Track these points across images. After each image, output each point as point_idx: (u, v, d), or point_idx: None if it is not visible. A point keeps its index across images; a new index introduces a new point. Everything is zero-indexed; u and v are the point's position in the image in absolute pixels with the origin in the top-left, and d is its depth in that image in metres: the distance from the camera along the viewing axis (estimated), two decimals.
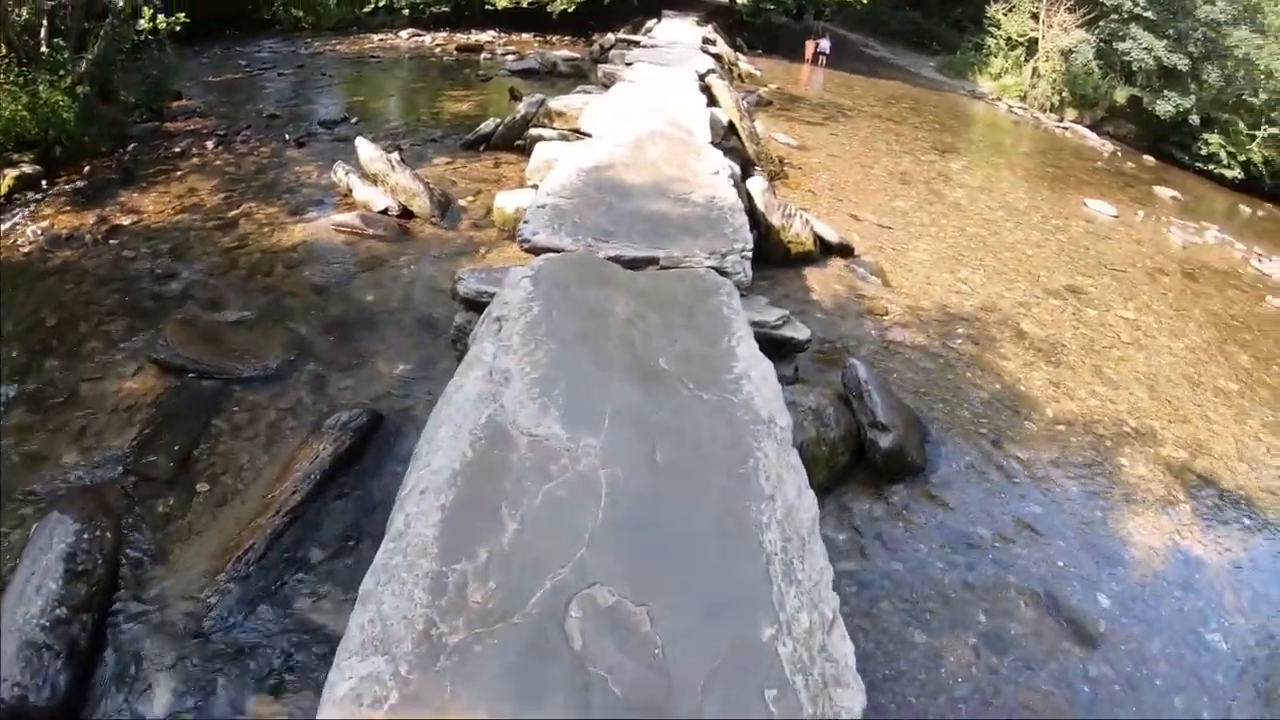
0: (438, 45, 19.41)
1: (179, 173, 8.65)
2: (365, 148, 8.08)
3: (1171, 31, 19.78)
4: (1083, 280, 9.97)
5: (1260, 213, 21.63)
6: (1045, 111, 21.64)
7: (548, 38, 21.89)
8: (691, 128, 8.15)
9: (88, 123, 8.68)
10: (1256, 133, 21.93)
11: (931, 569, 4.60)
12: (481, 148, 10.06)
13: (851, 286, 7.86)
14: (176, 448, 4.39)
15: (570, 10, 20.64)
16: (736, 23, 23.90)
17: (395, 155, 8.38)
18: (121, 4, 9.32)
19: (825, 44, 22.38)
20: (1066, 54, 21.23)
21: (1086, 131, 21.66)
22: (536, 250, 4.82)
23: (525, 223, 5.02)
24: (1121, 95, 21.37)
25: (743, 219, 5.64)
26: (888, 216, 10.25)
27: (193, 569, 3.64)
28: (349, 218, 7.27)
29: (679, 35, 17.93)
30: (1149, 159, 21.87)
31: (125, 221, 7.29)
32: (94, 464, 4.29)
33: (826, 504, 4.92)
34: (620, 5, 21.20)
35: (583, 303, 4.05)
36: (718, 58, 16.70)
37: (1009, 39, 22.11)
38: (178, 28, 9.58)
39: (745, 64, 19.53)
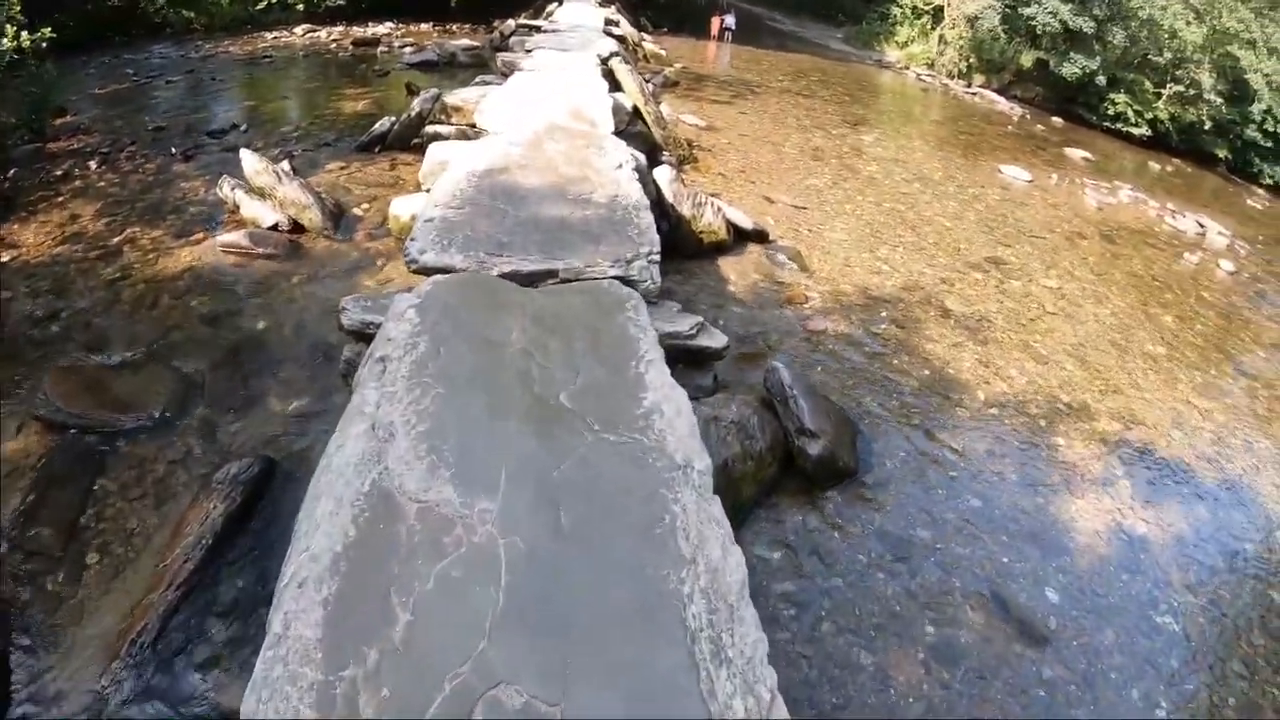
0: (333, 40, 19.63)
1: (60, 198, 8.31)
2: (250, 159, 7.96)
3: None
4: (1003, 250, 10.39)
5: (1169, 168, 23.40)
6: (953, 78, 22.79)
7: (448, 27, 22.33)
8: (594, 117, 8.29)
9: None
10: (1162, 91, 23.70)
11: (872, 581, 4.59)
12: (377, 149, 10.10)
13: (769, 274, 7.91)
14: (63, 515, 4.30)
15: None
16: (640, 2, 24.44)
17: (284, 165, 8.41)
18: None
19: (730, 19, 23.15)
20: (972, 20, 22.46)
21: (995, 96, 22.92)
22: (425, 271, 4.77)
23: (412, 240, 4.95)
24: (1028, 59, 22.72)
25: (649, 218, 5.63)
26: (802, 196, 10.43)
27: (88, 657, 3.55)
28: (237, 237, 7.19)
29: (581, 18, 18.35)
30: (1058, 121, 23.26)
31: (4, 258, 6.94)
32: None
33: (757, 520, 4.87)
34: None
35: (475, 333, 3.95)
36: (621, 39, 17.07)
37: (914, 7, 23.26)
38: (44, 44, 9.47)
39: (650, 44, 19.93)
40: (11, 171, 9.00)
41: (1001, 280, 9.41)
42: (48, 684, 3.43)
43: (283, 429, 4.98)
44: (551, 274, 4.71)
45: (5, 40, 9.00)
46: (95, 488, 4.46)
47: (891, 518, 5.03)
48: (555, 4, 21.56)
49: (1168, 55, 23.42)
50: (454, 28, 22.39)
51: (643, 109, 10.66)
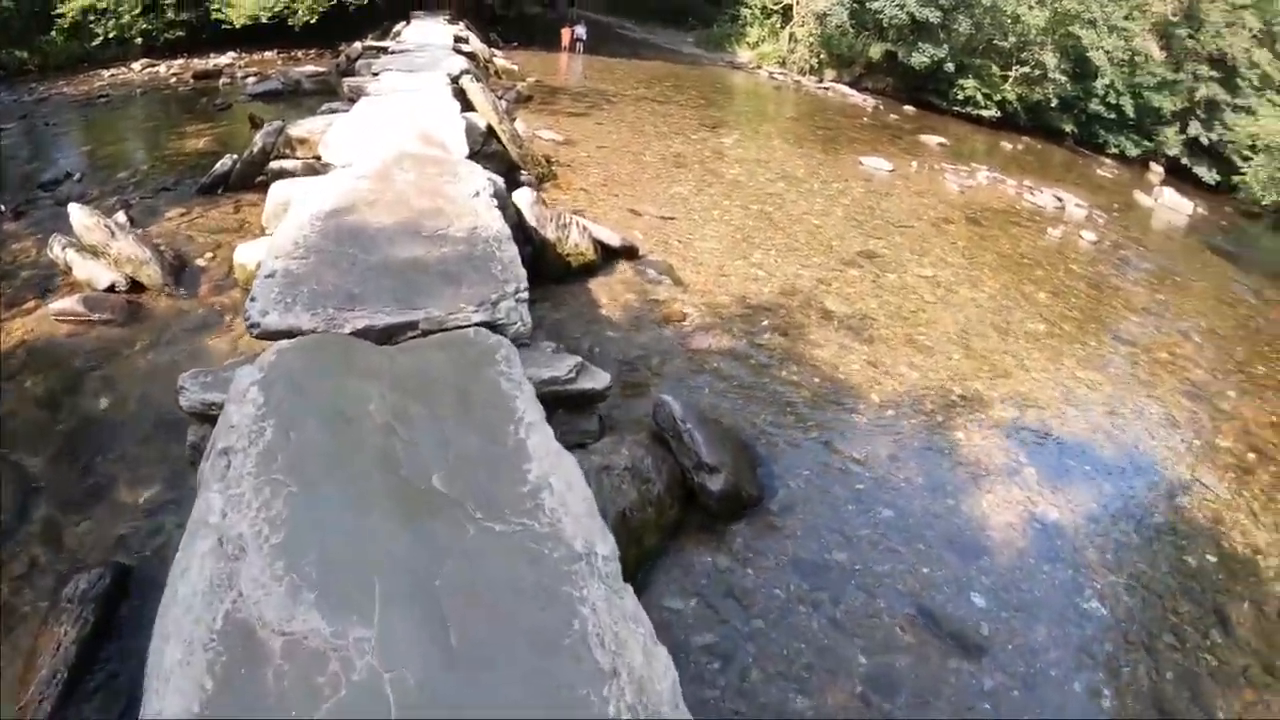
0: (173, 75, 19.70)
1: None
2: (79, 214, 7.66)
3: None
4: (875, 243, 10.91)
5: (1020, 147, 25.61)
6: (805, 74, 24.26)
7: (293, 54, 22.43)
8: (446, 141, 8.38)
9: None
10: (1009, 73, 26.18)
11: (795, 617, 4.56)
12: (220, 190, 9.98)
13: (643, 293, 7.95)
14: None
15: (313, 21, 21.26)
16: (490, 17, 25.35)
17: (119, 216, 8.37)
18: None
19: (581, 30, 24.03)
20: (821, 17, 24.19)
21: (848, 89, 24.62)
22: (269, 335, 4.46)
23: (252, 299, 4.70)
24: (877, 51, 24.64)
25: (512, 251, 5.55)
26: (668, 206, 10.64)
27: None
28: (70, 303, 6.92)
29: (430, 37, 18.80)
30: (910, 109, 25.12)
31: None
32: None
33: (664, 568, 4.76)
34: (367, 11, 22.08)
35: (329, 408, 3.70)
36: (472, 56, 17.49)
37: (764, 7, 24.79)
38: None
39: (501, 59, 20.42)
40: None
41: (877, 274, 9.86)
42: None
43: (135, 526, 4.74)
44: (410, 326, 4.52)
45: None
46: None
47: (804, 544, 5.04)
48: (403, 24, 21.89)
49: (1012, 39, 26.14)
50: (299, 54, 22.52)
51: (497, 127, 10.73)
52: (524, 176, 10.35)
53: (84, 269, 7.41)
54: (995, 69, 26.45)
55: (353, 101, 11.31)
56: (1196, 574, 6.12)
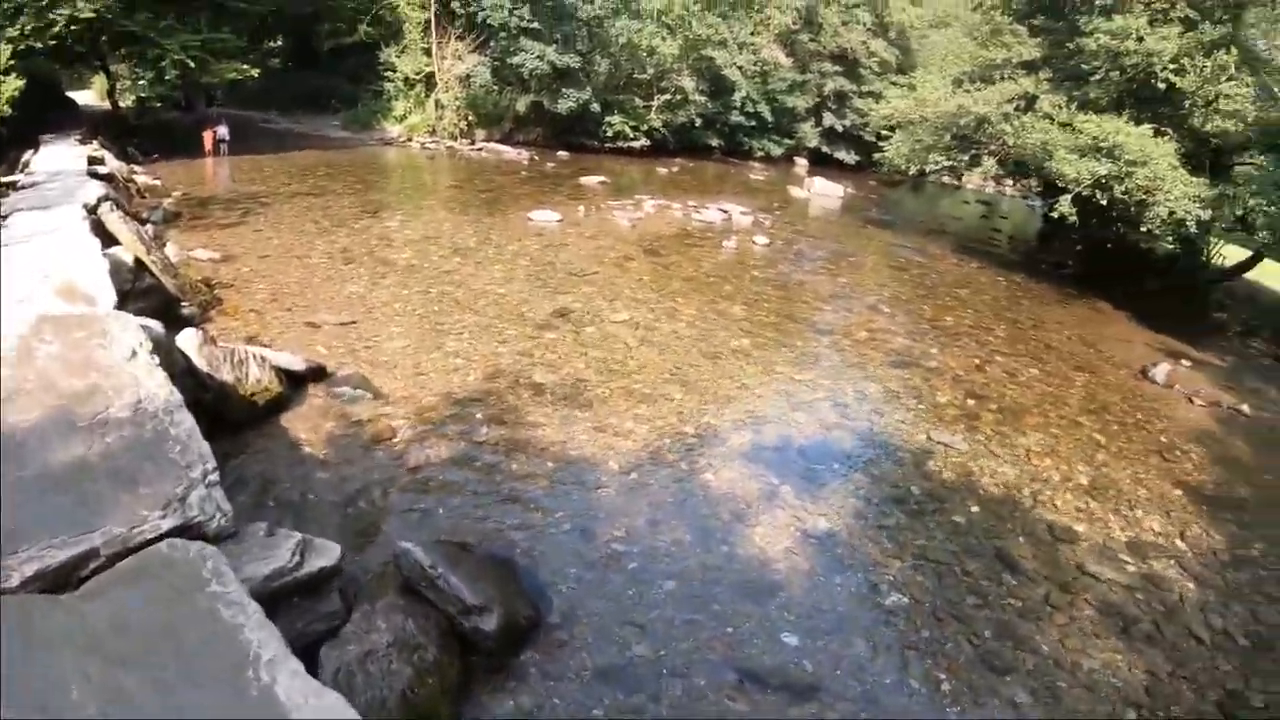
0: None
1: None
2: None
3: (559, 36, 25.47)
4: (565, 299, 11.34)
5: (675, 169, 28.07)
6: (457, 140, 25.10)
7: None
8: (91, 291, 7.62)
9: None
10: (652, 103, 28.84)
11: None
12: None
13: (343, 417, 7.50)
14: None
15: None
16: (125, 130, 23.96)
17: None
18: None
19: (224, 130, 23.08)
20: (465, 80, 24.97)
21: (501, 147, 25.86)
22: None
23: None
24: (523, 104, 25.96)
25: (187, 422, 4.98)
26: (347, 309, 10.24)
27: None
28: None
29: (61, 163, 16.89)
30: (564, 154, 26.73)
31: None
32: None
33: None
34: None
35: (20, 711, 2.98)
36: (110, 178, 15.93)
37: (407, 79, 25.24)
38: None
39: (143, 175, 18.79)
40: None
41: (576, 332, 10.23)
42: None
43: None
44: (91, 555, 3.90)
45: None
46: None
47: (600, 650, 5.01)
48: (31, 151, 19.14)
49: (651, 70, 29.33)
50: None
51: (146, 259, 9.80)
52: (186, 309, 9.56)
53: None
54: (639, 101, 29.42)
55: None
56: (968, 529, 7.11)
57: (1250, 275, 21.62)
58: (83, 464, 4.51)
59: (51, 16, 18.13)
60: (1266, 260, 20.34)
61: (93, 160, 17.52)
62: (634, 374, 9.14)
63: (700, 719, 4.56)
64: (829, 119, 39.90)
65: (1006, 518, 7.46)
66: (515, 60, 24.51)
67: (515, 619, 4.89)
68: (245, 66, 21.06)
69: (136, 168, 19.62)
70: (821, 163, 39.87)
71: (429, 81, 25.48)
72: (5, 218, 11.39)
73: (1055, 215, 17.82)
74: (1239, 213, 16.31)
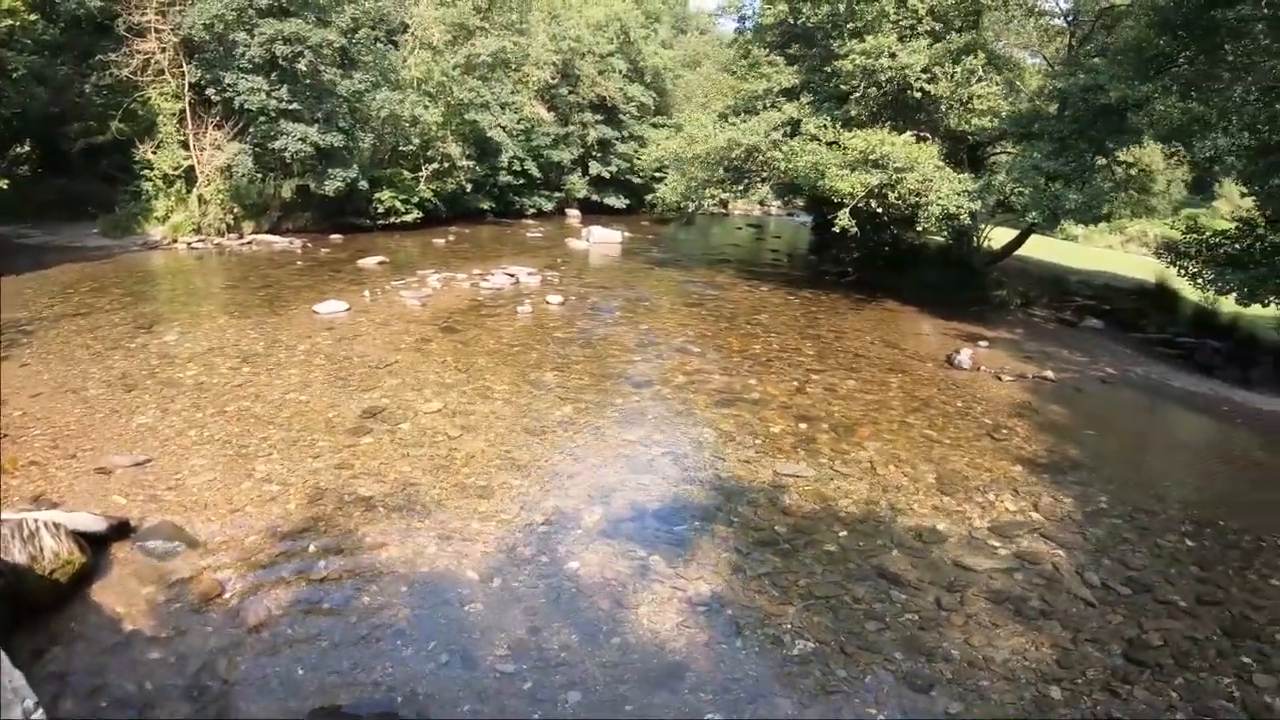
0: None
1: None
2: None
3: (320, 114, 24.78)
4: (371, 397, 10.62)
5: (452, 239, 27.75)
6: (223, 235, 23.97)
7: None
8: None
9: None
10: (420, 174, 29.37)
11: None
12: None
13: (161, 578, 6.43)
14: None
15: None
16: None
17: None
18: None
19: None
20: (226, 170, 24.02)
21: (271, 238, 24.92)
22: None
23: None
24: (288, 189, 25.12)
25: None
26: (139, 445, 8.95)
27: None
28: None
29: None
30: (337, 238, 25.98)
31: None
32: None
33: None
34: None
35: None
36: None
37: (165, 176, 23.76)
38: None
39: None
40: None
41: (392, 431, 9.55)
42: None
43: None
44: None
45: None
46: None
47: None
48: None
49: (417, 141, 29.08)
50: None
51: None
52: None
53: None
54: (407, 173, 29.27)
55: None
56: (843, 555, 7.12)
57: (1020, 251, 23.95)
58: None
59: None
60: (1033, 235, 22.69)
61: None
62: (463, 468, 8.58)
63: None
64: (595, 167, 41.05)
65: (874, 534, 7.61)
66: (277, 144, 23.64)
67: None
68: None
69: None
70: (592, 211, 40.82)
71: (189, 176, 24.09)
72: None
73: (836, 229, 18.96)
74: (999, 198, 18.00)
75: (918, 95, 19.15)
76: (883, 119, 19.91)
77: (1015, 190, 17.57)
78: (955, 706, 5.21)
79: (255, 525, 7.29)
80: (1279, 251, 16.55)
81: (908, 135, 18.74)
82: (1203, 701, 5.51)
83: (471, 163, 30.95)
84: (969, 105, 19.32)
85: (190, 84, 23.71)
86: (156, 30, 22.96)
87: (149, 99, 23.47)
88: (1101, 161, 18.84)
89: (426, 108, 28.18)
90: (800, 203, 28.76)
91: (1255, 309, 17.50)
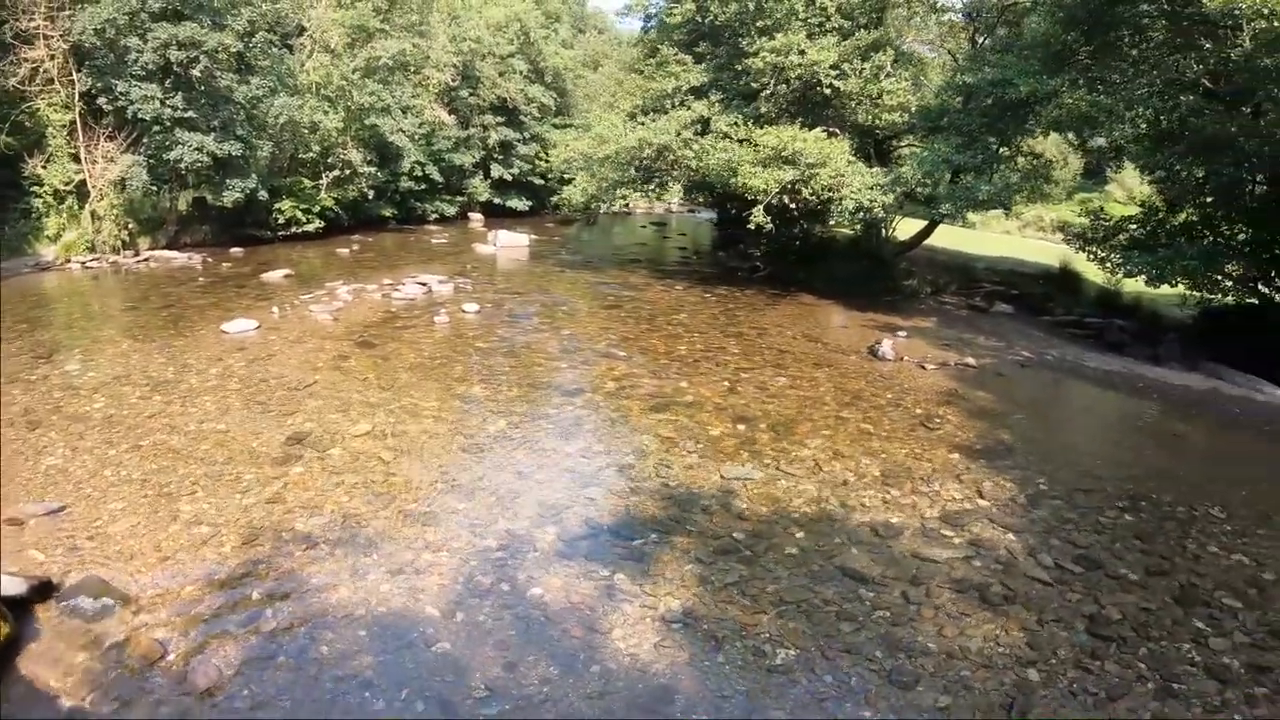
0: None
1: None
2: None
3: (217, 122, 23.70)
4: (295, 421, 10.15)
5: (356, 248, 27.05)
6: (119, 253, 22.79)
7: None
8: None
9: None
10: (320, 182, 28.74)
11: None
12: None
13: (94, 641, 5.80)
14: None
15: None
16: None
17: None
18: None
19: None
20: (120, 184, 22.86)
21: (169, 253, 23.80)
22: None
23: None
24: (184, 203, 24.21)
25: None
26: (51, 490, 8.20)
27: None
28: None
29: None
30: (238, 251, 25.01)
31: None
32: None
33: None
34: None
35: None
36: None
37: (56, 192, 22.30)
38: None
39: None
40: None
41: (321, 458, 9.07)
42: None
43: None
44: None
45: None
46: None
47: None
48: None
49: (316, 148, 28.38)
50: None
51: None
52: None
53: None
54: (307, 182, 28.48)
55: None
56: (805, 557, 7.12)
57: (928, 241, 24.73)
58: None
59: None
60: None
61: None
62: (403, 494, 8.20)
63: None
64: (497, 170, 40.62)
65: (830, 532, 7.65)
66: (172, 155, 22.59)
67: None
68: None
69: None
70: (495, 214, 40.42)
71: (81, 191, 22.81)
72: None
73: (751, 225, 19.14)
74: (908, 191, 18.51)
75: (826, 91, 19.54)
76: (792, 116, 20.23)
77: (922, 182, 18.14)
78: (944, 699, 5.27)
79: (190, 574, 6.77)
80: (1182, 234, 17.56)
81: (818, 131, 19.09)
82: (1168, 669, 5.76)
83: (373, 169, 30.26)
84: (879, 101, 19.83)
85: (81, 93, 22.47)
86: (45, 37, 21.64)
87: (37, 110, 22.19)
88: (1005, 152, 19.60)
89: (326, 113, 27.39)
90: (702, 200, 29.06)
91: (1150, 287, 18.47)
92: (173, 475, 8.62)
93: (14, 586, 6.45)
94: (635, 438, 9.98)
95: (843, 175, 18.03)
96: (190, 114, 22.55)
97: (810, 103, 20.55)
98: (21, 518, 7.71)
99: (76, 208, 22.93)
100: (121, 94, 21.86)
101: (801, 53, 19.24)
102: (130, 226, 23.52)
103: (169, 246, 24.35)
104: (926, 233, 23.73)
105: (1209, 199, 17.81)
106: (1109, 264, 17.86)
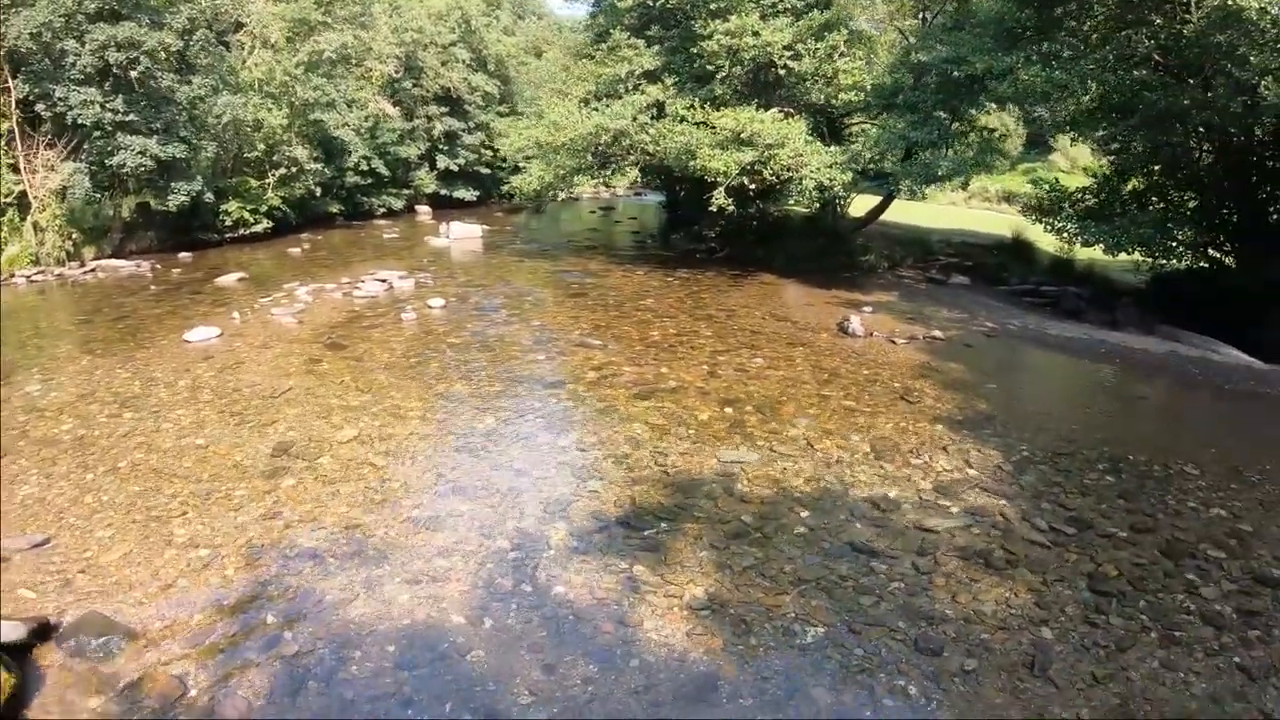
0: None
1: None
2: None
3: (159, 124, 22.99)
4: (276, 431, 9.91)
5: (307, 247, 26.74)
6: (64, 265, 22.16)
7: None
8: None
9: None
10: (267, 181, 28.18)
11: None
12: None
13: (107, 684, 5.39)
14: None
15: None
16: None
17: None
18: None
19: None
20: (61, 193, 22.16)
21: (116, 262, 23.19)
22: None
23: None
24: (127, 208, 23.70)
25: None
26: (32, 522, 7.64)
27: None
28: None
29: None
30: (187, 255, 24.47)
31: None
32: None
33: None
34: None
35: None
36: None
37: None
38: None
39: None
40: None
41: (311, 469, 8.84)
42: None
43: None
44: None
45: None
46: None
47: None
48: None
49: (261, 146, 27.71)
50: None
51: None
52: None
53: None
54: (253, 181, 27.97)
55: None
56: (814, 536, 7.30)
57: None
58: None
59: None
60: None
61: None
62: (404, 499, 8.15)
63: None
64: (443, 161, 40.23)
65: (834, 509, 7.87)
66: (115, 160, 21.99)
67: None
68: None
69: None
70: (442, 205, 40.06)
71: (22, 203, 22.11)
72: None
73: (714, 208, 19.29)
74: (864, 168, 18.90)
75: (780, 72, 19.77)
76: (746, 97, 20.40)
77: (878, 159, 18.55)
78: (970, 662, 5.52)
79: (195, 601, 6.54)
80: (1134, 203, 18.21)
81: (774, 112, 19.32)
82: (1168, 619, 6.11)
83: (319, 165, 29.82)
84: (833, 81, 20.12)
85: (17, 100, 21.72)
86: None
87: None
88: (958, 127, 20.09)
89: (270, 110, 26.90)
90: (648, 184, 29.24)
91: (1103, 254, 19.11)
92: (158, 497, 8.35)
93: (11, 632, 6.10)
94: (626, 427, 10.08)
95: (801, 155, 18.27)
96: (132, 117, 22.00)
97: (764, 84, 20.77)
98: (4, 555, 7.34)
99: (17, 220, 22.27)
100: (60, 99, 21.21)
101: (756, 34, 19.37)
102: (74, 237, 22.93)
103: (115, 255, 23.74)
104: (881, 208, 24.16)
105: (1157, 168, 18.50)
106: (1065, 234, 18.42)
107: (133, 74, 21.80)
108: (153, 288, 20.01)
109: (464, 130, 40.33)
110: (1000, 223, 29.23)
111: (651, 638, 5.90)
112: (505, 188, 33.48)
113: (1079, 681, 5.42)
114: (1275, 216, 17.31)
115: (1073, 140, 24.21)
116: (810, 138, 18.97)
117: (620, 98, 21.43)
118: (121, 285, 20.52)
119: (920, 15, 24.21)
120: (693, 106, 19.98)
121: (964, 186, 24.94)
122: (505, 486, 8.44)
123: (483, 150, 41.12)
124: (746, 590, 6.42)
